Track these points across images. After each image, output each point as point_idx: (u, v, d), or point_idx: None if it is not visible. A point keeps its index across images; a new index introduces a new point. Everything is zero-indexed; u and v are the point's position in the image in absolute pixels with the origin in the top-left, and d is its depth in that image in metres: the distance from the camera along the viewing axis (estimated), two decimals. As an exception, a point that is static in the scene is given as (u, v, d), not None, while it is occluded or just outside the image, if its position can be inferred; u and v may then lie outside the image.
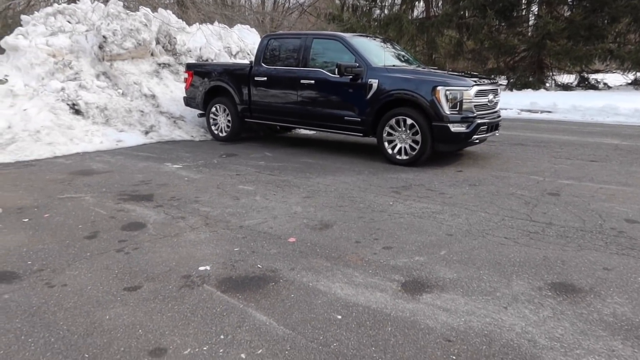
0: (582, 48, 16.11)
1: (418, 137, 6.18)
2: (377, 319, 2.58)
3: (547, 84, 17.73)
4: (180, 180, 5.62)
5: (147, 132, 8.30)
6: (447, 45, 19.57)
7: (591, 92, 16.07)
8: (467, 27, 18.03)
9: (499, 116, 6.83)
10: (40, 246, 3.65)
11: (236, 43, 11.38)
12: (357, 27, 18.74)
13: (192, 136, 8.54)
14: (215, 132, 8.40)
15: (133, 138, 8.01)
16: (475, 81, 6.27)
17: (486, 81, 6.62)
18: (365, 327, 2.50)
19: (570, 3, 17.19)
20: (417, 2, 20.23)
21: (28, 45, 9.26)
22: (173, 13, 12.05)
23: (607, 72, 19.21)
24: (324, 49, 7.17)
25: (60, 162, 6.65)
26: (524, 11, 18.58)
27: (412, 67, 6.99)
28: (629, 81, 18.11)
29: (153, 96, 9.13)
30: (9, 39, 9.46)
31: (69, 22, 10.04)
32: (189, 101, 8.72)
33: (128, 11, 10.47)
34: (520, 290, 2.91)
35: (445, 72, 6.94)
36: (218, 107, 8.28)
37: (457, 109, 6.03)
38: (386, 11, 20.46)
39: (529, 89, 16.26)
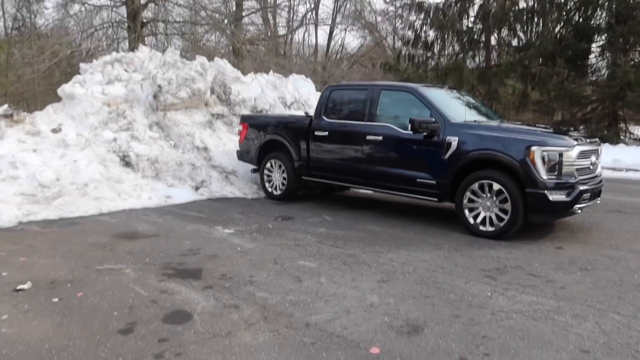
0: (666, 98, 14.70)
1: (507, 206, 5.26)
2: None
3: (622, 137, 16.32)
4: (232, 250, 4.91)
5: (197, 188, 7.74)
6: (509, 96, 18.56)
7: (678, 147, 14.56)
8: (533, 76, 17.03)
9: (601, 181, 5.83)
10: (65, 342, 2.98)
11: (291, 93, 10.89)
12: (414, 76, 18.04)
13: (244, 193, 7.90)
14: (269, 189, 7.73)
15: (183, 194, 7.46)
16: (576, 140, 5.37)
17: (587, 140, 5.69)
18: None
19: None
20: (478, 51, 19.44)
21: (84, 94, 9.08)
22: (229, 62, 11.80)
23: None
24: (394, 101, 6.46)
25: (105, 220, 6.12)
26: (598, 59, 17.43)
27: (496, 123, 6.16)
28: None
29: (205, 149, 8.65)
30: (66, 87, 9.34)
31: (125, 70, 9.86)
32: (242, 155, 8.16)
33: (184, 60, 10.25)
34: None
35: (537, 128, 6.07)
36: (273, 162, 7.65)
37: (556, 173, 5.12)
38: (443, 60, 19.72)
39: (606, 143, 14.92)
